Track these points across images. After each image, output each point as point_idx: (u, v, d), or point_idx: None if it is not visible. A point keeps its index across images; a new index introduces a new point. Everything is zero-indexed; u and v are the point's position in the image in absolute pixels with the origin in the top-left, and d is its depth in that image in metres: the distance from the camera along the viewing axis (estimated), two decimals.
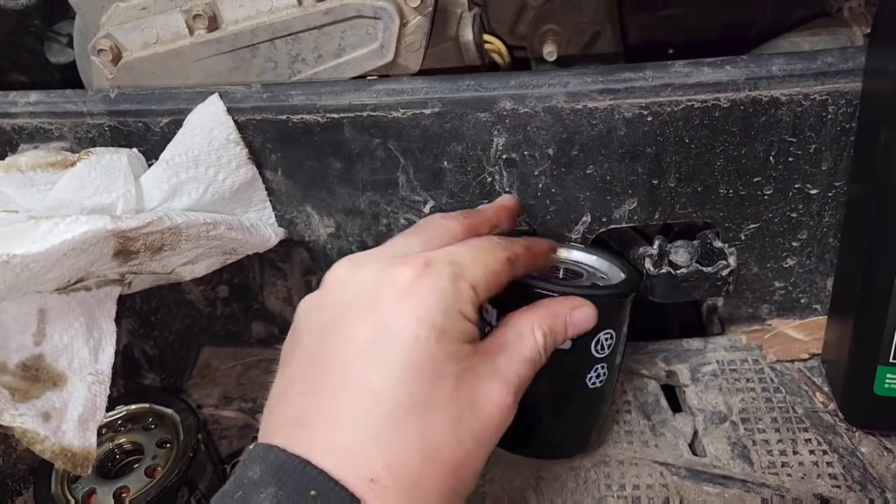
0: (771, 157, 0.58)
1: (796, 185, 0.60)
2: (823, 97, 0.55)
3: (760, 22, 1.06)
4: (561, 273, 0.58)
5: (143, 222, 0.50)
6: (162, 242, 0.53)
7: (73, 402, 0.47)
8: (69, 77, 0.82)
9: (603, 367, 0.53)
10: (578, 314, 0.48)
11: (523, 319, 0.45)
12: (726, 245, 0.61)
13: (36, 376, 0.46)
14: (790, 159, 0.58)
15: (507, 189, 0.61)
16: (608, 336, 0.52)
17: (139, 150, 0.60)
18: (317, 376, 0.39)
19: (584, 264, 0.58)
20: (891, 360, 0.55)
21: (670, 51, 1.14)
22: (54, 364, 0.47)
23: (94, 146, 0.61)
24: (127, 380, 0.68)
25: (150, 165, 0.59)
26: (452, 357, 0.38)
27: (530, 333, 0.44)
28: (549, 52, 0.81)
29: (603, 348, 0.52)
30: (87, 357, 0.49)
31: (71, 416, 0.46)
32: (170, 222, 0.52)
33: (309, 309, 0.42)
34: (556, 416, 0.55)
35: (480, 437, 0.39)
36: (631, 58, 1.07)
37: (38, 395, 0.46)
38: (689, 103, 0.56)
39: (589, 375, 0.53)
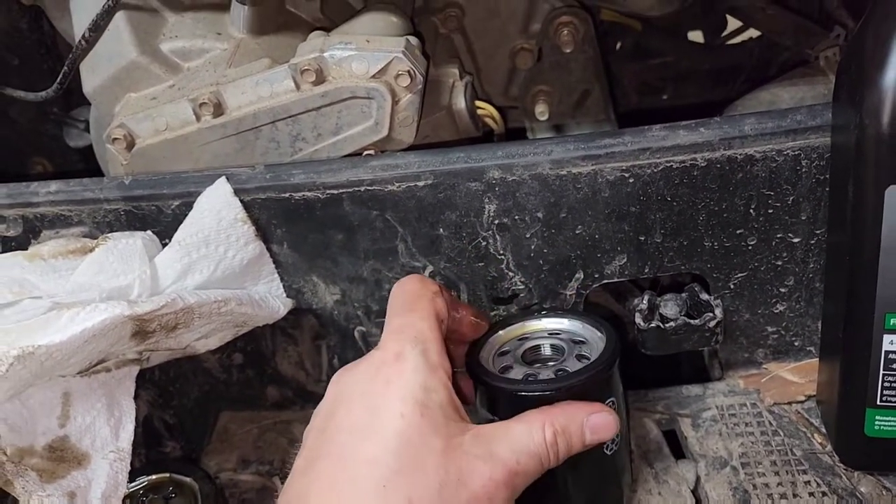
0: (751, 210, 0.61)
1: (778, 235, 0.62)
2: (796, 152, 0.58)
3: (748, 67, 1.10)
4: (543, 349, 0.58)
5: (158, 305, 0.53)
6: (176, 322, 0.56)
7: (97, 479, 0.50)
8: (88, 160, 0.87)
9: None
10: (597, 418, 0.49)
11: (535, 416, 0.47)
12: (713, 297, 0.64)
13: (62, 457, 0.49)
14: (770, 211, 0.61)
15: (502, 252, 0.64)
16: (611, 402, 0.53)
17: (153, 232, 0.64)
18: (315, 457, 0.43)
19: (560, 332, 0.59)
20: (878, 403, 0.56)
21: (664, 97, 1.19)
22: (78, 444, 0.50)
23: (111, 230, 0.65)
24: (149, 450, 0.71)
25: (163, 246, 0.63)
26: (438, 429, 0.42)
27: (539, 429, 0.46)
28: (541, 111, 0.85)
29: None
30: (108, 435, 0.52)
31: (95, 494, 0.49)
32: (182, 303, 0.55)
33: (317, 410, 0.47)
34: (581, 491, 0.56)
35: (474, 495, 0.42)
36: (627, 106, 1.11)
37: (64, 475, 0.49)
38: (668, 164, 0.59)
39: (606, 444, 0.54)
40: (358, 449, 0.41)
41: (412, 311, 0.49)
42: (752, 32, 1.11)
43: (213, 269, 0.62)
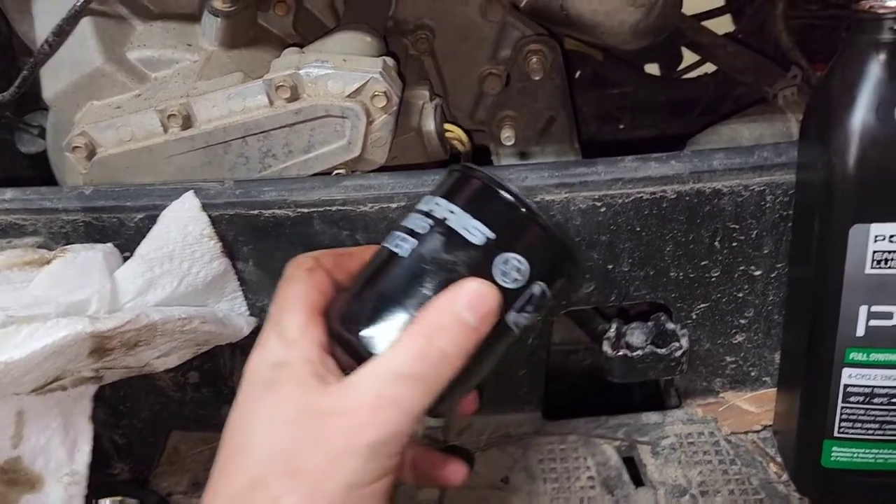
0: (716, 243, 0.62)
1: (741, 268, 0.64)
2: (762, 188, 0.60)
3: (703, 100, 1.13)
4: None
5: (121, 322, 0.51)
6: (138, 339, 0.54)
7: None
8: (38, 167, 0.84)
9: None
10: (469, 296, 0.42)
11: (398, 339, 0.42)
12: (678, 326, 0.65)
13: (14, 479, 0.47)
14: (734, 244, 0.62)
15: None
16: (518, 261, 0.43)
17: (114, 245, 0.62)
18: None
19: None
20: (836, 434, 0.58)
21: (621, 126, 1.21)
22: (31, 466, 0.48)
23: (67, 241, 0.62)
24: (95, 472, 0.68)
25: (125, 259, 0.61)
26: (290, 399, 0.42)
27: (403, 349, 0.41)
28: (507, 136, 0.85)
29: (506, 276, 0.43)
30: (63, 457, 0.49)
31: None
32: (147, 320, 0.53)
33: None
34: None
35: (331, 451, 0.40)
36: (586, 134, 1.13)
37: (16, 499, 0.46)
38: (639, 195, 0.60)
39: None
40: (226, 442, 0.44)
41: (279, 295, 0.47)
42: (708, 67, 1.14)
43: (175, 285, 0.60)
